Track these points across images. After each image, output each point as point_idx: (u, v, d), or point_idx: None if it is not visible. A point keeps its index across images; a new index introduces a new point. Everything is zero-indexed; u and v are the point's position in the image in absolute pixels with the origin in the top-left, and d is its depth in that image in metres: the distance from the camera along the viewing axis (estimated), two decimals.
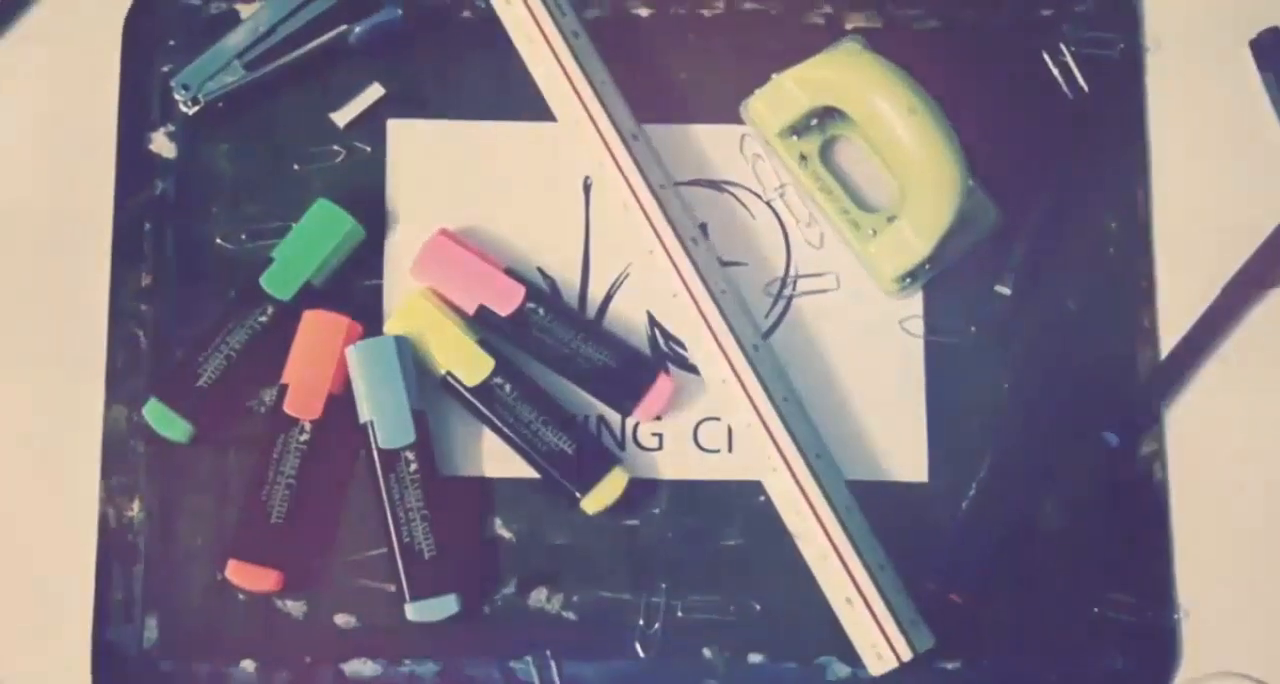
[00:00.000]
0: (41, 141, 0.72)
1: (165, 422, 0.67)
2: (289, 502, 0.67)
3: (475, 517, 0.69)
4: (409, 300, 0.69)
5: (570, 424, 0.68)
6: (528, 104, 0.71)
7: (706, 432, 0.70)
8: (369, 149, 0.72)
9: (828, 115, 0.71)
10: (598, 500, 0.67)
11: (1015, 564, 0.69)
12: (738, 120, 0.72)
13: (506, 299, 0.69)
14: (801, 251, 0.71)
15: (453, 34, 0.73)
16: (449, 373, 0.68)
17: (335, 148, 0.71)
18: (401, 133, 0.72)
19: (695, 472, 0.69)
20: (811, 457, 0.67)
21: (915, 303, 0.71)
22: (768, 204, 0.72)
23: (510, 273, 0.69)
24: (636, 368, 0.69)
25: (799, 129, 0.71)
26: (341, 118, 0.72)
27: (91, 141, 0.72)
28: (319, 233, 0.69)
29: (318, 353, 0.68)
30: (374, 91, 0.72)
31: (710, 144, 0.72)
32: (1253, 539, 0.70)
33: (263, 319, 0.68)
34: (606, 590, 0.68)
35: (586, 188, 0.71)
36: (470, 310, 0.69)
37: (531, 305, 0.69)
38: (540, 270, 0.71)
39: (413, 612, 0.66)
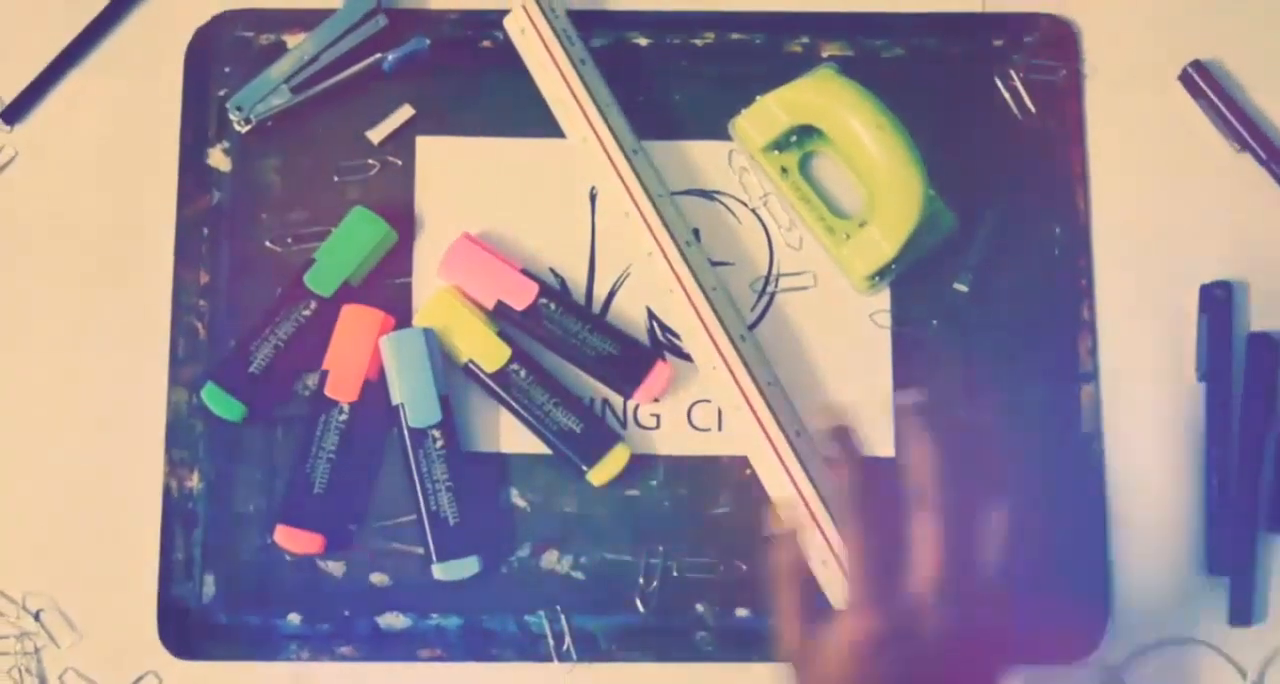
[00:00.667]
0: (113, 157, 0.74)
1: (221, 403, 0.70)
2: (330, 474, 0.69)
3: (494, 488, 0.71)
4: (435, 296, 0.71)
5: (578, 406, 0.70)
6: (540, 123, 0.73)
7: (699, 412, 0.72)
8: (400, 163, 0.74)
9: (806, 132, 0.72)
10: (602, 473, 0.70)
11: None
12: (726, 137, 0.74)
13: (522, 295, 0.71)
14: (783, 253, 0.73)
15: (474, 61, 0.74)
16: (471, 360, 0.70)
17: (370, 162, 0.73)
18: (429, 148, 0.74)
19: (689, 448, 0.71)
20: (792, 434, 0.68)
21: (883, 298, 0.73)
22: (753, 211, 0.74)
23: (525, 272, 0.71)
24: (637, 356, 0.71)
25: (780, 145, 0.73)
26: (376, 135, 0.74)
27: (156, 156, 0.74)
28: (356, 237, 0.71)
29: (355, 343, 0.70)
30: (405, 112, 0.74)
31: (702, 158, 0.74)
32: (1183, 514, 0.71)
33: (306, 313, 0.70)
34: (610, 553, 0.70)
35: (592, 197, 0.73)
36: (489, 305, 0.71)
37: (544, 301, 0.71)
38: (552, 270, 0.73)
39: (439, 571, 0.68)
